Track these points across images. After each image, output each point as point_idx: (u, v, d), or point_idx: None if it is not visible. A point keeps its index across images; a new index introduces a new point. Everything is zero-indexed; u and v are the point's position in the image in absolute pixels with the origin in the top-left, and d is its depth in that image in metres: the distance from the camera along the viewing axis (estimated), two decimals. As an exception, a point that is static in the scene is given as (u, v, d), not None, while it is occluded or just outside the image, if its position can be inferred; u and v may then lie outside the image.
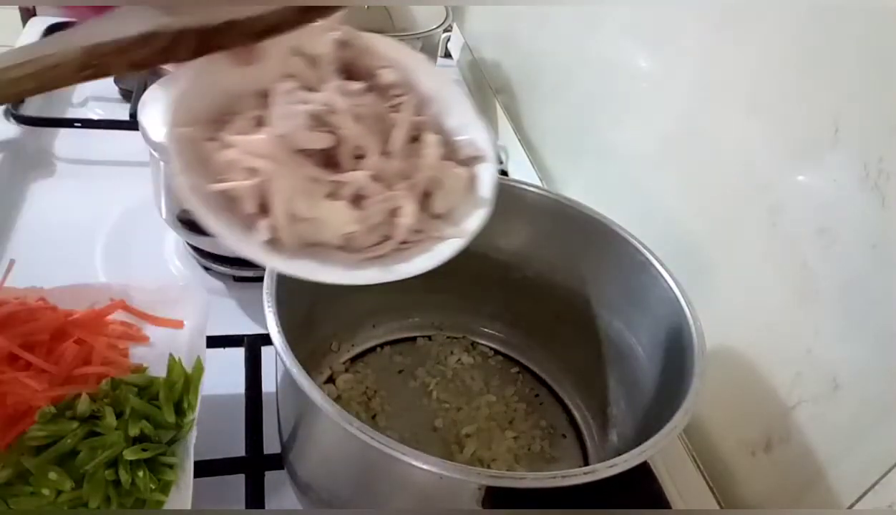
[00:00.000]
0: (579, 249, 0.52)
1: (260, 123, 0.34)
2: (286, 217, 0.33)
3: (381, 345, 0.58)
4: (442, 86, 0.40)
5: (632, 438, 0.48)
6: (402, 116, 0.36)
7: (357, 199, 0.34)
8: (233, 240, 0.33)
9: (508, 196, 0.52)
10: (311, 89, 0.36)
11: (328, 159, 0.35)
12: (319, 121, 0.34)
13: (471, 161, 0.39)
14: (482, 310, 0.59)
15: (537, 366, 0.58)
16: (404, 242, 0.36)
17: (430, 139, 0.37)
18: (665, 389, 0.43)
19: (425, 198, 0.37)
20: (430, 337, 0.59)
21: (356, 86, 0.36)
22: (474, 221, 0.37)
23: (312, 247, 0.34)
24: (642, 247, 0.47)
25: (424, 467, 0.32)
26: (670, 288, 0.45)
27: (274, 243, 0.33)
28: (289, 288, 0.41)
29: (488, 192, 0.38)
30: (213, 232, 0.32)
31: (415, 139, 0.37)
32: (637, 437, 0.47)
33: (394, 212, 0.35)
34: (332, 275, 0.34)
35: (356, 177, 0.34)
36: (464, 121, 0.39)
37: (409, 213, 0.35)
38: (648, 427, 0.43)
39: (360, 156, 0.35)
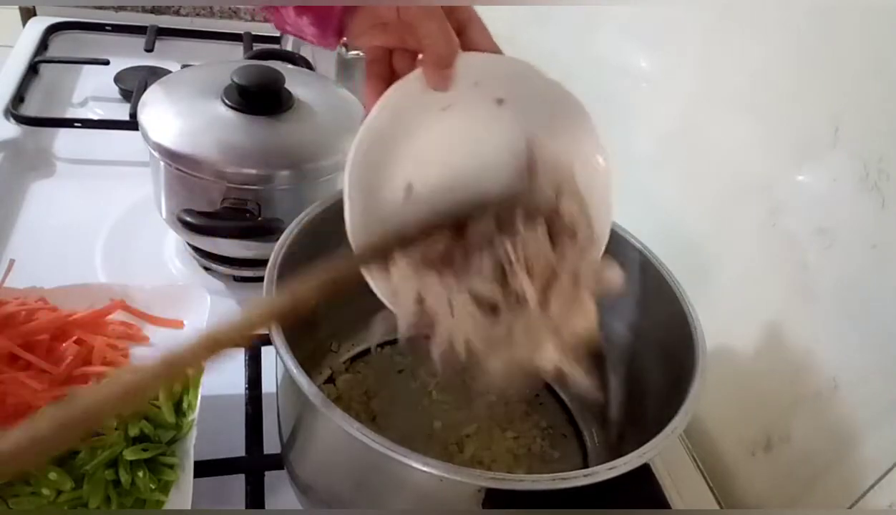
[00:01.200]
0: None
1: (449, 249, 0.39)
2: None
3: (381, 345, 0.57)
4: (604, 218, 0.42)
5: (632, 438, 0.48)
6: (563, 279, 0.39)
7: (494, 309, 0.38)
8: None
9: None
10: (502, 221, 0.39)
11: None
12: (499, 266, 0.38)
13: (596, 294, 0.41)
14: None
15: (537, 366, 0.58)
16: None
17: (590, 311, 0.39)
18: (665, 389, 0.43)
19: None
20: (429, 337, 0.59)
21: (540, 233, 0.39)
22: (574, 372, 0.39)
23: None
24: (643, 247, 0.47)
25: (425, 469, 0.32)
26: (671, 289, 0.45)
27: None
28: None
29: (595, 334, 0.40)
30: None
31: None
32: (637, 437, 0.46)
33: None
34: None
35: (508, 323, 0.37)
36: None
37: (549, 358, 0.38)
38: (648, 426, 0.43)
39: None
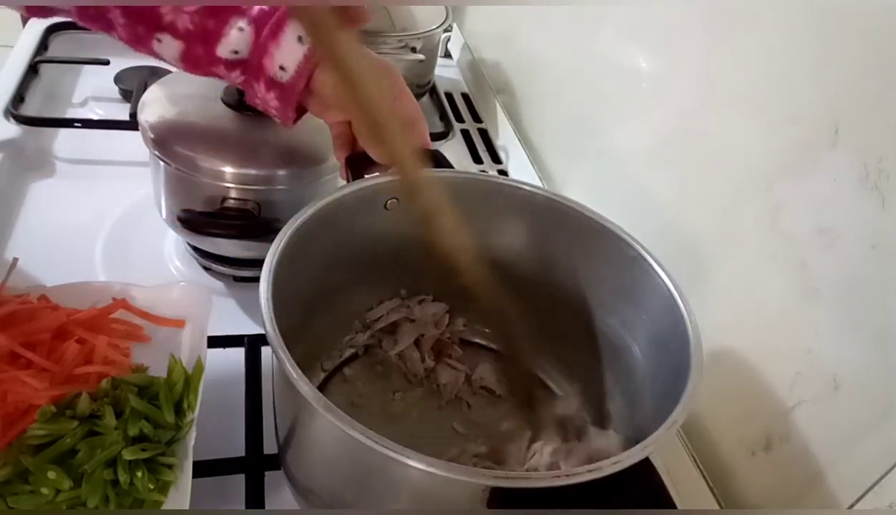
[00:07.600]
0: (571, 246, 0.51)
1: None
2: None
3: (372, 346, 0.57)
4: None
5: (629, 432, 0.48)
6: None
7: None
8: None
9: (500, 193, 0.52)
10: None
11: None
12: None
13: None
14: (472, 307, 0.58)
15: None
16: None
17: None
18: (662, 384, 0.43)
19: None
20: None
21: None
22: None
23: None
24: (634, 242, 0.47)
25: (430, 470, 0.31)
26: (664, 282, 0.44)
27: None
28: (286, 290, 0.40)
29: None
30: None
31: None
32: (634, 431, 0.46)
33: None
34: None
35: None
36: None
37: None
38: (645, 420, 0.43)
39: None
